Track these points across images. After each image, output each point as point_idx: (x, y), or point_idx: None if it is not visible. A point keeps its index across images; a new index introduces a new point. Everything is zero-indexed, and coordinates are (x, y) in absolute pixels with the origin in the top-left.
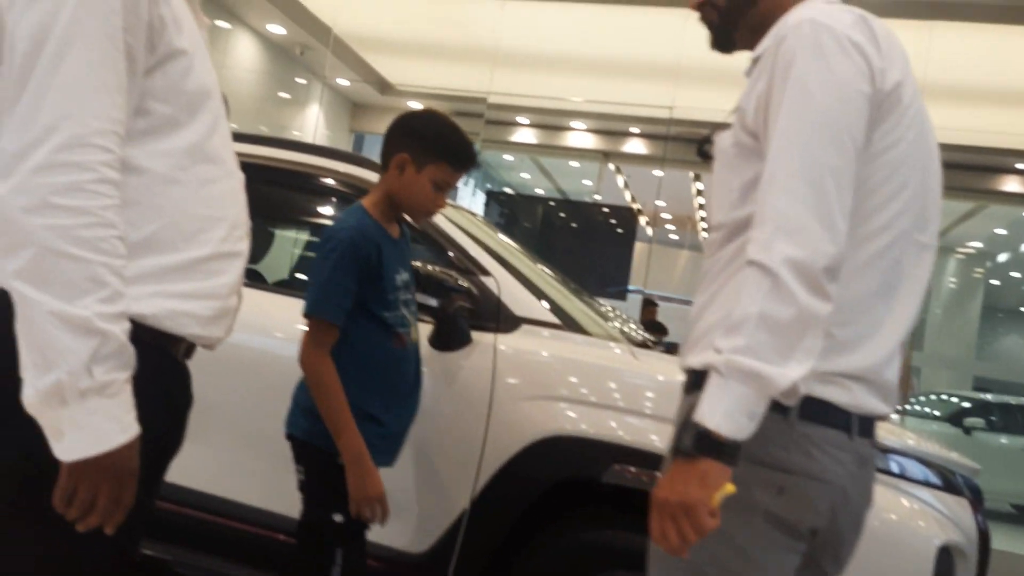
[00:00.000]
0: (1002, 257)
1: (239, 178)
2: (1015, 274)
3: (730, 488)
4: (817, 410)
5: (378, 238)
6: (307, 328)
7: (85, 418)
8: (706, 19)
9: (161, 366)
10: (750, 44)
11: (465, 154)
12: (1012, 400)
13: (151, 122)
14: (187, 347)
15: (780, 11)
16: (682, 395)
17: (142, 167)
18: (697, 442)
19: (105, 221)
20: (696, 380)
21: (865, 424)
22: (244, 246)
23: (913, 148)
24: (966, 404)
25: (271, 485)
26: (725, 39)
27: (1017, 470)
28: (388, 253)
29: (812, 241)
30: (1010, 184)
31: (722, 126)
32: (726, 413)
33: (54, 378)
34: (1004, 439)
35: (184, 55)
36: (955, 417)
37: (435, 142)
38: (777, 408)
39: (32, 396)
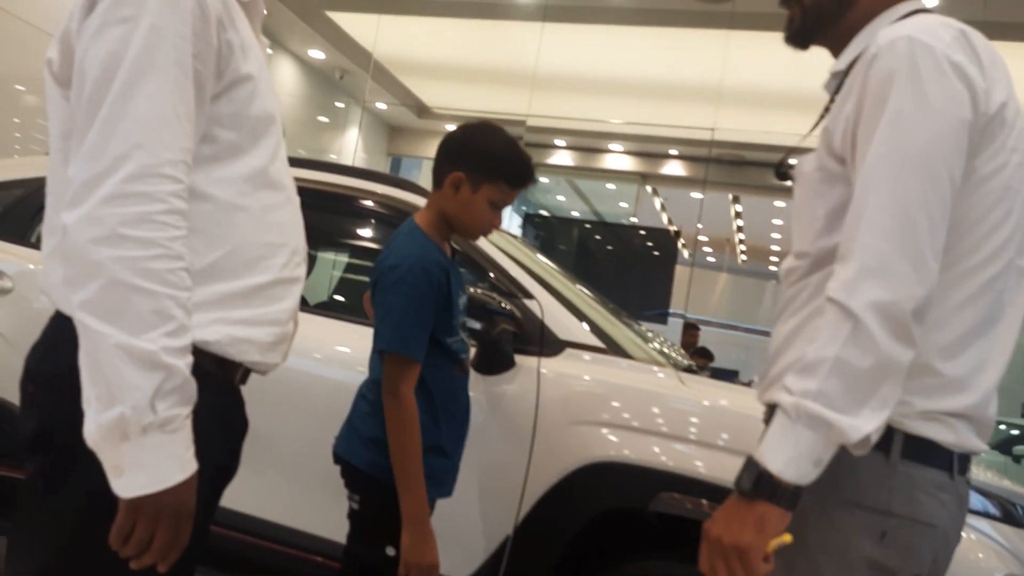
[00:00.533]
0: None
1: (297, 203)
2: None
3: (787, 538)
4: (920, 450)
5: (444, 262)
6: (386, 366)
7: (146, 455)
8: (790, 13)
9: (221, 394)
10: (831, 45)
11: (524, 171)
12: None
13: (216, 149)
14: (243, 373)
15: (871, 18)
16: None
17: (206, 194)
18: (757, 483)
19: (173, 253)
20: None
21: (964, 462)
22: (302, 272)
23: (1019, 171)
24: (1015, 431)
25: (308, 507)
26: (804, 38)
27: None
28: (454, 277)
29: (900, 282)
30: None
31: (798, 149)
32: (790, 459)
33: (117, 412)
34: None
35: (250, 80)
36: (1004, 444)
37: (492, 160)
38: (878, 447)
39: (94, 430)
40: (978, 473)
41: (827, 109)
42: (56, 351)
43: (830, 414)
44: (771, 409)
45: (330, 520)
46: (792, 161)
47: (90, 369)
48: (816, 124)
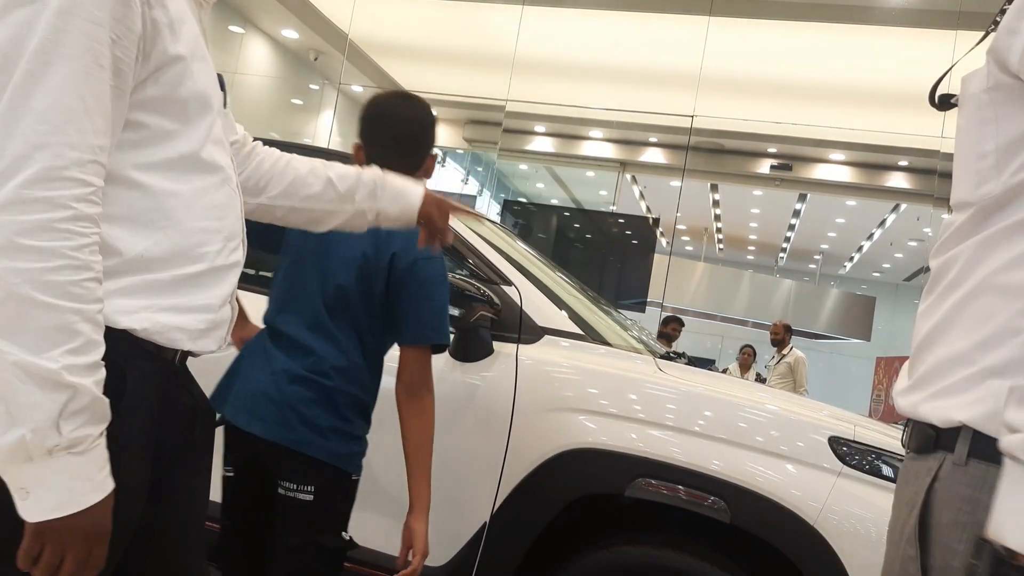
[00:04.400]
0: None
1: (234, 183)
2: None
3: None
4: None
5: None
6: (420, 357)
7: (52, 477)
8: None
9: (153, 369)
10: None
11: None
12: None
13: (143, 135)
14: (182, 354)
15: None
16: (909, 455)
17: (134, 180)
18: (997, 570)
19: (78, 263)
20: (941, 438)
21: None
22: (239, 256)
23: None
24: None
25: None
26: None
27: None
28: None
29: None
30: None
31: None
32: None
33: (18, 435)
34: None
35: (179, 61)
36: None
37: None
38: None
39: None
40: None
41: (1001, 12)
42: None
43: None
44: (911, 425)
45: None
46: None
47: None
48: (987, 33)
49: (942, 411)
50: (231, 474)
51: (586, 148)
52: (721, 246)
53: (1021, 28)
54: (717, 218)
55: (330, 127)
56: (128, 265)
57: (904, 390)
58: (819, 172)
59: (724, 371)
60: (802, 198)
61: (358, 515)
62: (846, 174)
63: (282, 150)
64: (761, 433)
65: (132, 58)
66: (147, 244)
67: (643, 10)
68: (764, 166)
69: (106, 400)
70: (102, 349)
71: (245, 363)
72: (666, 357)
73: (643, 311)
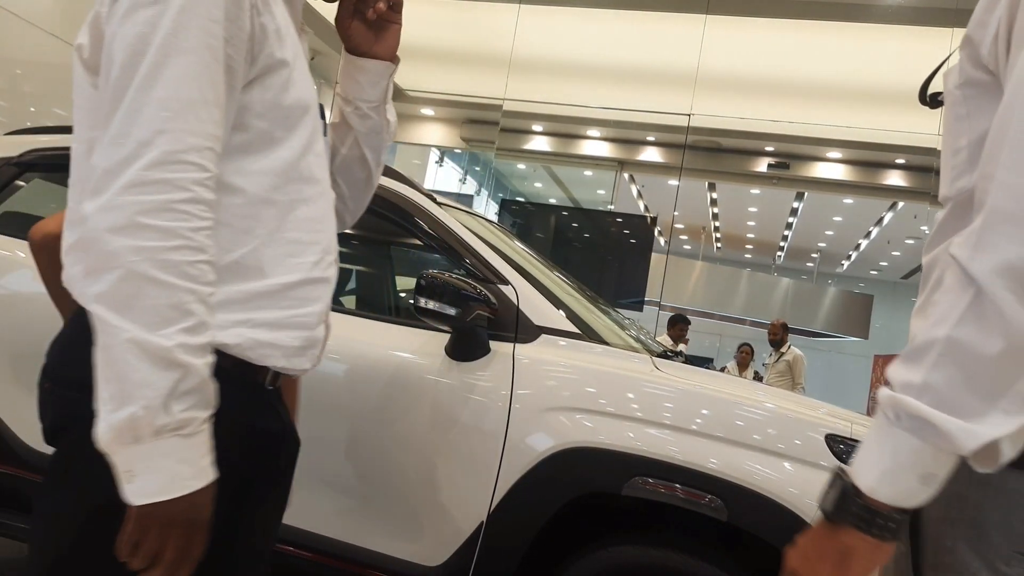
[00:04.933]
0: None
1: (331, 198)
2: None
3: None
4: None
5: None
6: None
7: (158, 459)
8: None
9: (243, 397)
10: None
11: None
12: None
13: (247, 138)
14: (274, 374)
15: None
16: None
17: (235, 186)
18: (841, 504)
19: (195, 244)
20: None
21: None
22: (333, 272)
23: None
24: None
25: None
26: None
27: None
28: None
29: None
30: None
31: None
32: (885, 472)
33: (129, 412)
34: None
35: (285, 67)
36: None
37: None
38: None
39: (105, 431)
40: None
41: None
42: (73, 348)
43: (936, 415)
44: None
45: (305, 511)
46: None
47: (104, 365)
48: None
49: None
50: None
51: (584, 147)
52: (719, 245)
53: (990, 20)
54: (715, 217)
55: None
56: (223, 272)
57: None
58: (817, 170)
59: (722, 369)
60: (799, 196)
61: (358, 518)
62: (843, 172)
63: None
64: (758, 431)
65: (242, 58)
66: (243, 251)
67: (639, 9)
68: (761, 165)
69: (214, 385)
70: (212, 332)
71: None
72: (663, 356)
73: (641, 310)
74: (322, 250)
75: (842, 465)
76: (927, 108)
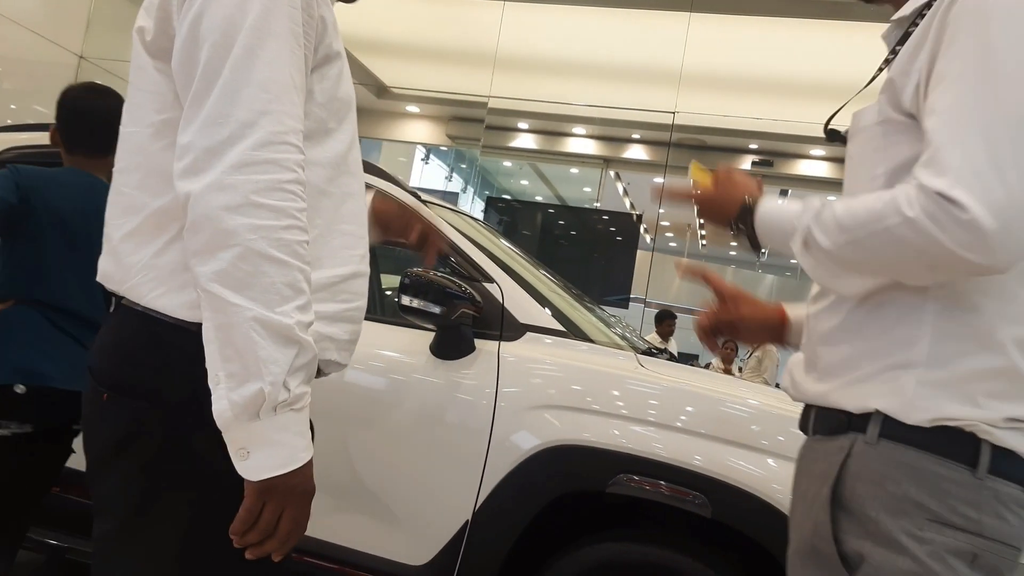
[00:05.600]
0: None
1: (365, 195)
2: None
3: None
4: (1006, 463)
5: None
6: None
7: (277, 434)
8: None
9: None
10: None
11: None
12: None
13: (309, 126)
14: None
15: None
16: (816, 436)
17: None
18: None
19: (302, 224)
20: (853, 421)
21: None
22: (368, 267)
23: None
24: None
25: None
26: None
27: None
28: None
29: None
30: None
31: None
32: (775, 224)
33: (255, 389)
34: None
35: (340, 59)
36: None
37: None
38: (963, 459)
39: (227, 408)
40: None
41: (887, 61)
42: (133, 354)
43: (821, 238)
44: (815, 410)
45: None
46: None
47: (221, 344)
48: (875, 76)
49: (857, 399)
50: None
51: (569, 145)
52: (704, 242)
53: (912, 70)
54: (701, 227)
55: None
56: None
57: (814, 379)
58: (800, 168)
59: (707, 366)
60: (783, 193)
61: (343, 517)
62: (827, 170)
63: None
64: (742, 428)
65: (311, 46)
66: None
67: (624, 6)
68: (746, 162)
69: (317, 358)
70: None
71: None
72: (648, 353)
73: (627, 307)
74: (366, 244)
75: (753, 207)
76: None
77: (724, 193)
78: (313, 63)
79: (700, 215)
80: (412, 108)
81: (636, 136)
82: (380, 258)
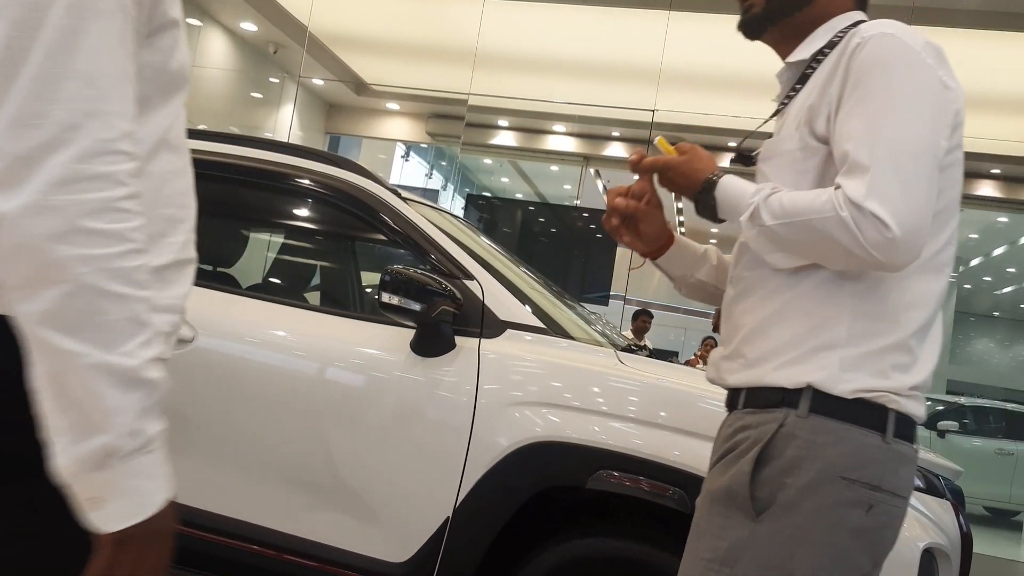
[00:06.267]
0: (974, 262)
1: (191, 171)
2: (987, 279)
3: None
4: (905, 427)
5: None
6: None
7: (130, 481)
8: (747, 4)
9: None
10: (777, 39)
11: None
12: (985, 403)
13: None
14: None
15: (828, 17)
16: (748, 410)
17: None
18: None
19: (139, 247)
20: (787, 397)
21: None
22: (194, 251)
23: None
24: (940, 407)
25: (243, 494)
26: (759, 27)
27: (990, 473)
28: None
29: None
30: (983, 189)
31: (753, 134)
32: (732, 200)
33: (100, 443)
34: (977, 442)
35: (176, 27)
36: (929, 420)
37: None
38: (874, 426)
39: (69, 464)
40: None
41: (789, 97)
42: None
43: (767, 219)
44: (746, 391)
45: (269, 508)
46: (750, 147)
47: (57, 395)
48: (776, 112)
49: (791, 376)
50: None
51: (549, 142)
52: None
53: (823, 104)
54: (679, 212)
55: (290, 121)
56: None
57: (742, 366)
58: None
59: (687, 363)
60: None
61: (323, 514)
62: None
63: (242, 145)
64: (716, 425)
65: (144, 15)
66: None
67: (603, 4)
68: (724, 160)
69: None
70: (163, 340)
71: None
72: (627, 349)
73: (607, 304)
74: (188, 228)
75: (717, 181)
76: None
77: (690, 163)
78: (145, 32)
79: (664, 183)
80: (392, 105)
81: (616, 134)
82: (360, 256)
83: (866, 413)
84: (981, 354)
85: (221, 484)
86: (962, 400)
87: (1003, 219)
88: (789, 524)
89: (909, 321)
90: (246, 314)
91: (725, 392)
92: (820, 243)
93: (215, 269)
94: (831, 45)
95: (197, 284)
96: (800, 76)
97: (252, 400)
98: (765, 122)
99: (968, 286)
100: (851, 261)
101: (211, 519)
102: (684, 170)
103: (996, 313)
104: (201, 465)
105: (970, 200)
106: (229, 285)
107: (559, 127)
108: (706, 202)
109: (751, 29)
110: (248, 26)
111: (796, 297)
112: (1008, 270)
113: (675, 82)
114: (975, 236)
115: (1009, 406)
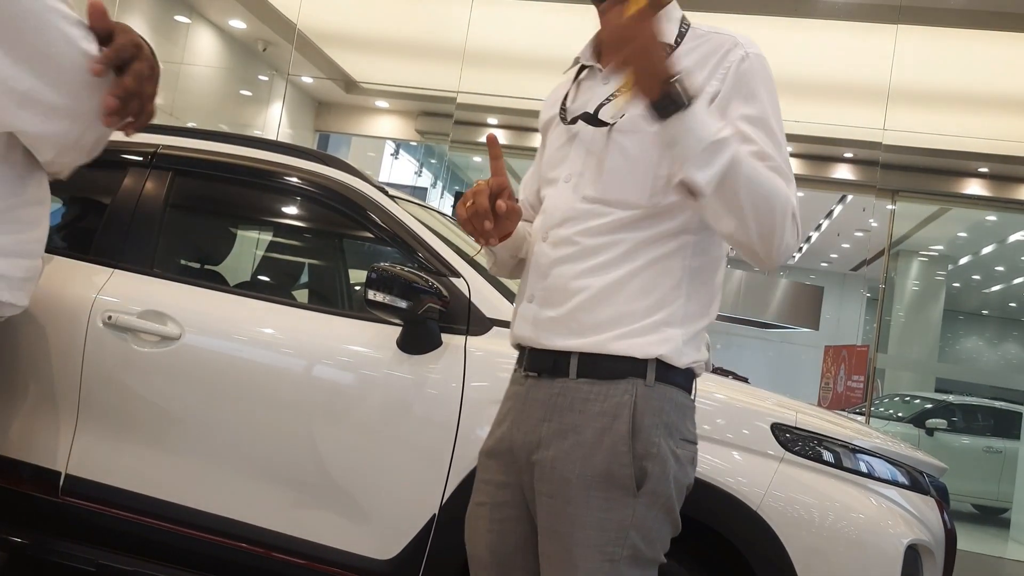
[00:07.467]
0: (963, 260)
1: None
2: (976, 277)
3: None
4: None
5: None
6: None
7: None
8: None
9: None
10: (608, 11)
11: None
12: (973, 401)
13: None
14: None
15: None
16: (584, 379)
17: None
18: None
19: None
20: (635, 368)
21: None
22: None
23: None
24: (928, 405)
25: (230, 492)
26: None
27: (978, 470)
28: None
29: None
30: (972, 187)
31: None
32: (697, 138)
33: None
34: (965, 440)
35: None
36: (918, 418)
37: None
38: (689, 390)
39: None
40: (893, 444)
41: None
42: None
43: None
44: (559, 356)
45: (257, 506)
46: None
47: None
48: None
49: (642, 347)
50: None
51: (537, 140)
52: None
53: (706, 88)
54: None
55: (279, 118)
56: None
57: (574, 331)
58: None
59: None
60: None
61: (310, 512)
62: (793, 166)
63: (230, 143)
64: (708, 421)
65: None
66: None
67: (591, 2)
68: None
69: None
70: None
71: None
72: None
73: None
74: (41, 176)
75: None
76: (875, 102)
77: (655, 38)
78: None
79: (628, 56)
80: (381, 103)
81: None
82: (348, 253)
83: (686, 380)
84: (970, 352)
85: (208, 482)
86: (950, 398)
87: (991, 217)
88: (663, 493)
89: (715, 303)
90: (234, 312)
91: (709, 389)
92: (756, 217)
93: (203, 266)
94: (681, 36)
95: (185, 282)
96: None
97: (239, 398)
98: (617, 94)
99: (957, 284)
100: (758, 246)
101: (199, 517)
102: (657, 47)
103: (985, 311)
104: (188, 463)
105: (959, 199)
106: (217, 282)
107: None
108: (674, 96)
109: None
110: (237, 23)
111: (639, 269)
112: (997, 268)
113: None
114: (964, 234)
115: (997, 404)
